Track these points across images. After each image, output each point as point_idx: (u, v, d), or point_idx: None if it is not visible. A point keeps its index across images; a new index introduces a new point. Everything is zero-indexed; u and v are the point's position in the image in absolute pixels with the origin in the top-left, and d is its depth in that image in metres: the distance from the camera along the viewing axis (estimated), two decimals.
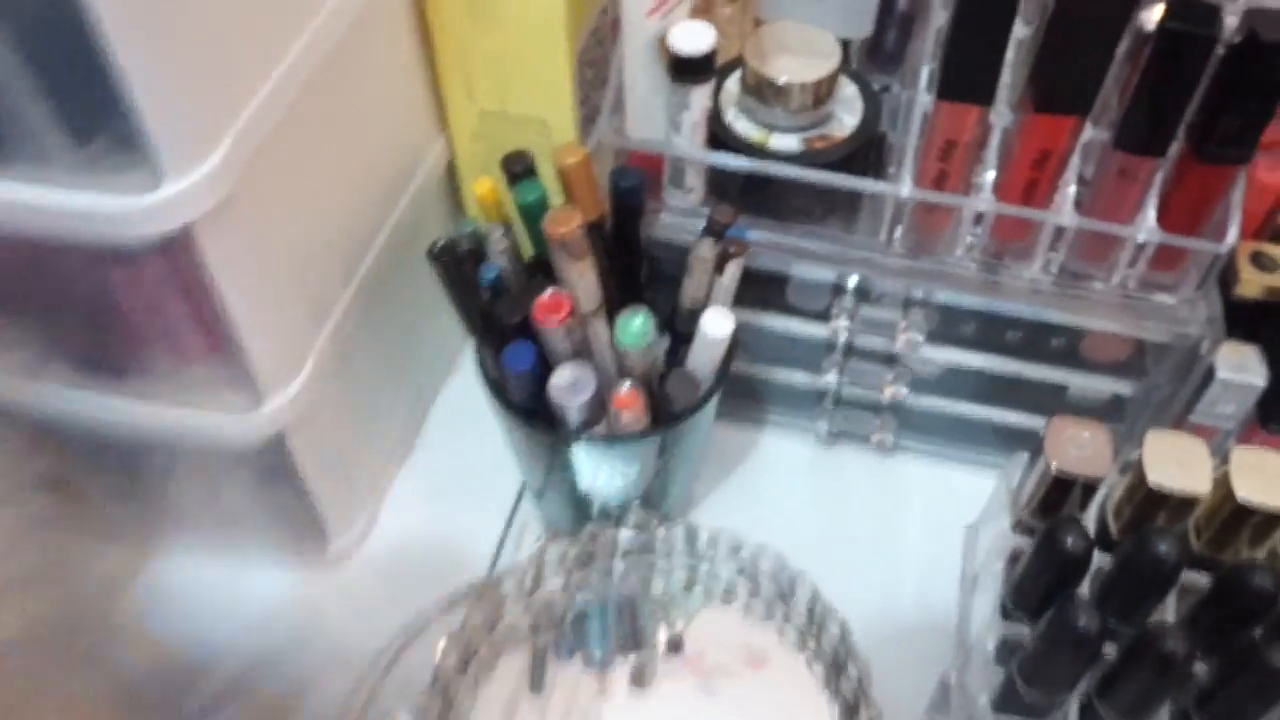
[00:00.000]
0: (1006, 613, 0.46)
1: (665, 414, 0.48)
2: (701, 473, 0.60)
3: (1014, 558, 0.47)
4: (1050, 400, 0.58)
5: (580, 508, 0.55)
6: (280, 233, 0.43)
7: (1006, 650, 0.46)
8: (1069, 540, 0.42)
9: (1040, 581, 0.44)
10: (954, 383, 0.58)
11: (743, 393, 0.62)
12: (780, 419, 0.63)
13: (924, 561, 0.59)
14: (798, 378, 0.60)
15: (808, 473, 0.63)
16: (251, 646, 0.54)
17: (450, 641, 0.50)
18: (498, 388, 0.48)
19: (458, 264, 0.43)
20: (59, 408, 0.47)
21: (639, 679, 0.53)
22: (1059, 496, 0.45)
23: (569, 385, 0.45)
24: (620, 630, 0.55)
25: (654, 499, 0.54)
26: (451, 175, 0.59)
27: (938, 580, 0.57)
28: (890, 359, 0.58)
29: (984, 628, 0.47)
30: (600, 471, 0.50)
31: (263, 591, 0.56)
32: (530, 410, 0.48)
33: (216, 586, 0.56)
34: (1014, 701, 0.45)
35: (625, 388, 0.45)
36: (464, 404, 0.64)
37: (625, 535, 0.54)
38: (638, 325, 0.44)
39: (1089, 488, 0.45)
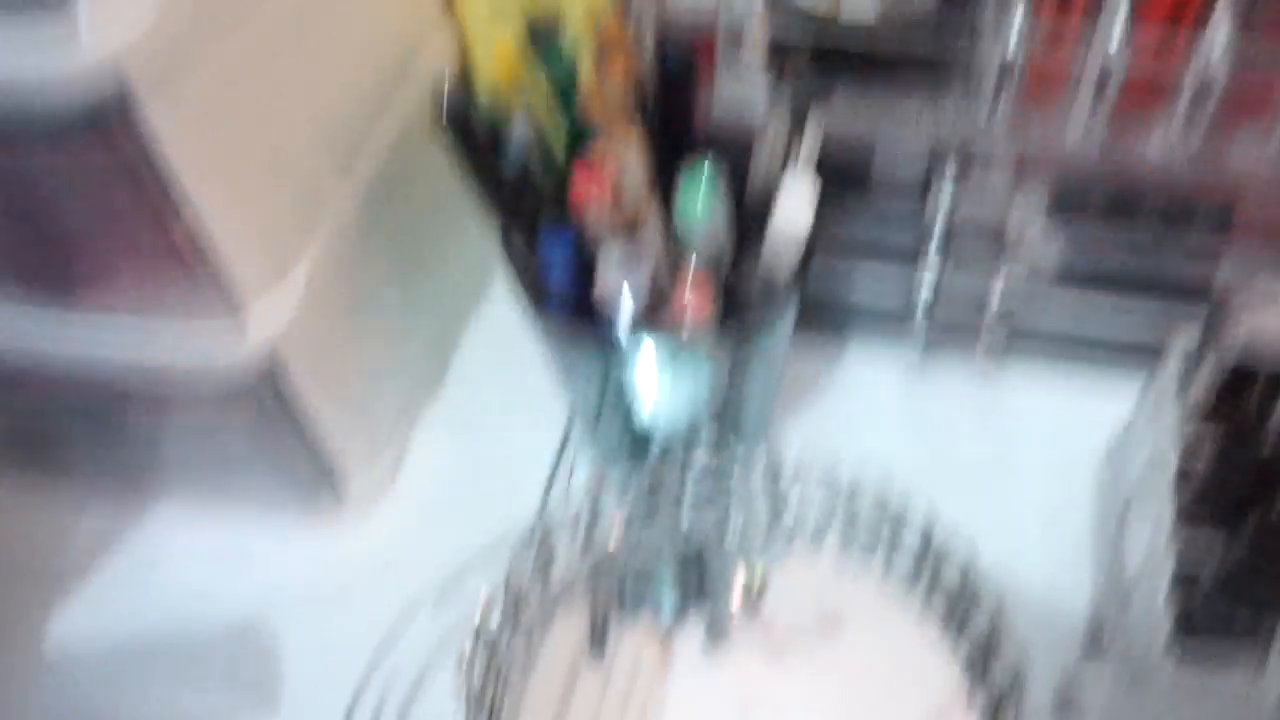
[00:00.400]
0: (1183, 530, 0.37)
1: (737, 322, 0.39)
2: (776, 400, 0.51)
3: (1187, 464, 0.38)
4: (1192, 297, 0.48)
5: (639, 440, 0.46)
6: (247, 104, 0.35)
7: (1186, 573, 0.36)
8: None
9: (1239, 477, 0.35)
10: (1073, 279, 0.49)
11: (822, 310, 0.53)
12: (865, 339, 0.54)
13: (1047, 497, 0.49)
14: (888, 281, 0.51)
15: (900, 398, 0.54)
16: (261, 613, 0.46)
17: (495, 591, 0.41)
18: (533, 289, 0.40)
19: (469, 125, 0.34)
20: (12, 344, 0.39)
21: (713, 639, 0.44)
22: (1241, 388, 0.36)
23: (619, 266, 0.36)
24: (691, 581, 0.46)
25: (726, 427, 0.46)
26: (463, 61, 0.50)
27: (1065, 518, 0.48)
28: (997, 250, 0.49)
29: (1147, 556, 0.38)
30: (662, 386, 0.41)
31: (275, 552, 0.48)
32: (575, 316, 0.39)
33: (220, 549, 0.48)
34: (1200, 629, 0.36)
35: (689, 270, 0.37)
36: (500, 329, 0.55)
37: (696, 463, 0.45)
38: (701, 188, 0.35)
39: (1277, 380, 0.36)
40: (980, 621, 0.42)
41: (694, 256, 0.37)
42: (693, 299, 0.37)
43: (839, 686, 0.41)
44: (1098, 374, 0.53)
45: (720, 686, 0.42)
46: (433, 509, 0.49)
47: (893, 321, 0.53)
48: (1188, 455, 0.38)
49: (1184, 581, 0.36)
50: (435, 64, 0.48)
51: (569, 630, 0.43)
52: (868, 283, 0.52)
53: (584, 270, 0.37)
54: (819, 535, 0.46)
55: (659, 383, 0.41)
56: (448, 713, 0.42)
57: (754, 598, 0.45)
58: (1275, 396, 0.37)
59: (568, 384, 0.45)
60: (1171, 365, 0.40)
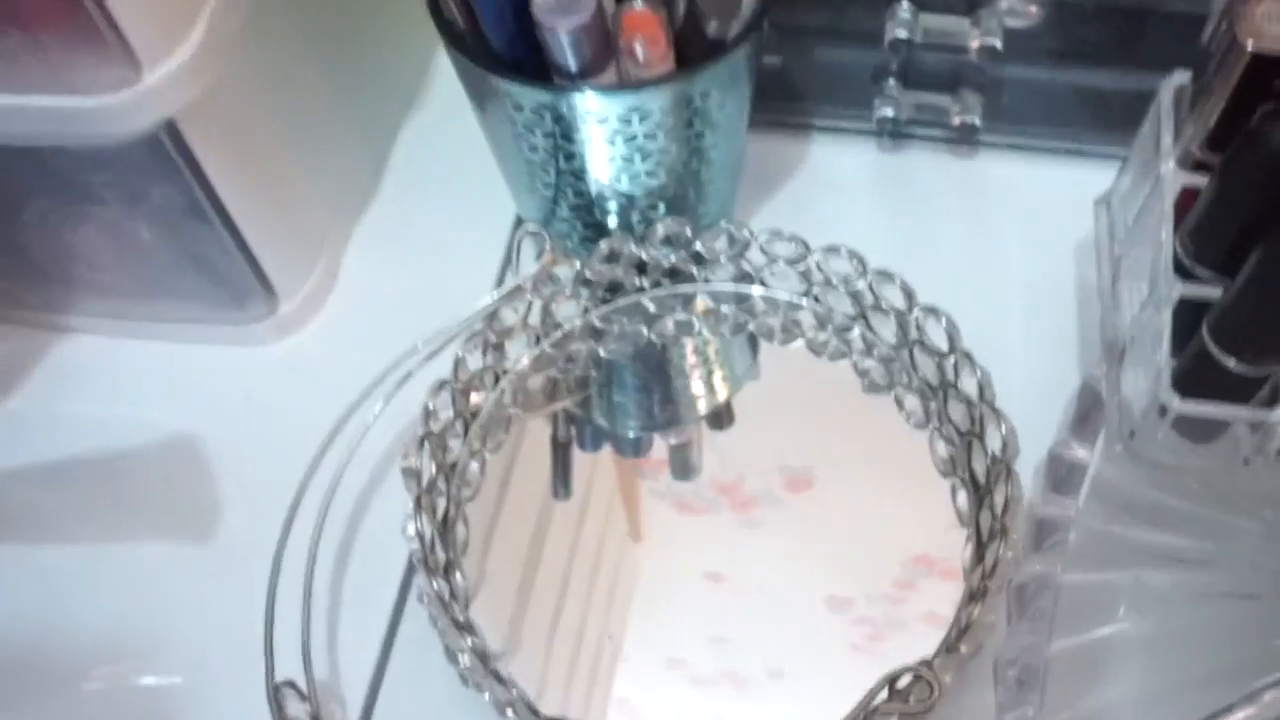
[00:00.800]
0: (1183, 272, 0.34)
1: (696, 55, 0.35)
2: (741, 195, 0.47)
3: (1181, 207, 0.35)
4: (1182, 51, 0.45)
5: (594, 229, 0.42)
6: None
7: (1181, 327, 0.34)
8: None
9: (1238, 211, 0.32)
10: (1054, 36, 0.45)
11: (781, 91, 0.49)
12: (830, 120, 0.50)
13: (1026, 276, 0.46)
14: (853, 54, 0.47)
15: (871, 182, 0.50)
16: (195, 428, 0.42)
17: (438, 386, 0.38)
18: (463, 42, 0.35)
19: None
20: None
21: (682, 469, 0.41)
22: (1255, 95, 0.32)
23: (559, 1, 0.32)
24: (655, 400, 0.43)
25: (687, 207, 0.42)
26: None
27: (1047, 295, 0.45)
28: (974, 3, 0.44)
29: (1145, 307, 0.35)
30: (616, 155, 0.37)
31: (201, 369, 0.44)
32: (513, 66, 0.35)
33: (143, 366, 0.44)
34: (1201, 383, 0.33)
35: (638, 4, 0.32)
36: (436, 137, 0.51)
37: (653, 251, 0.41)
38: None
39: None
40: (967, 392, 0.39)
41: None
42: (643, 41, 0.33)
43: (809, 548, 0.39)
44: (1075, 144, 0.49)
45: (689, 557, 0.39)
46: (371, 320, 0.45)
47: (860, 101, 0.49)
48: (1183, 200, 0.34)
49: (1182, 334, 0.34)
50: None
51: (529, 466, 0.40)
52: (834, 54, 0.47)
53: (520, 7, 0.33)
54: (788, 333, 0.43)
55: (611, 151, 0.37)
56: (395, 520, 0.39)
57: (723, 419, 0.42)
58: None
59: (508, 168, 0.41)
60: (1166, 96, 0.37)
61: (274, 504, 0.39)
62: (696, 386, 0.44)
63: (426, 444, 0.37)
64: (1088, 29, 0.45)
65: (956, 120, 0.48)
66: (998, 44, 0.44)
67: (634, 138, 0.36)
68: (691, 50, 0.36)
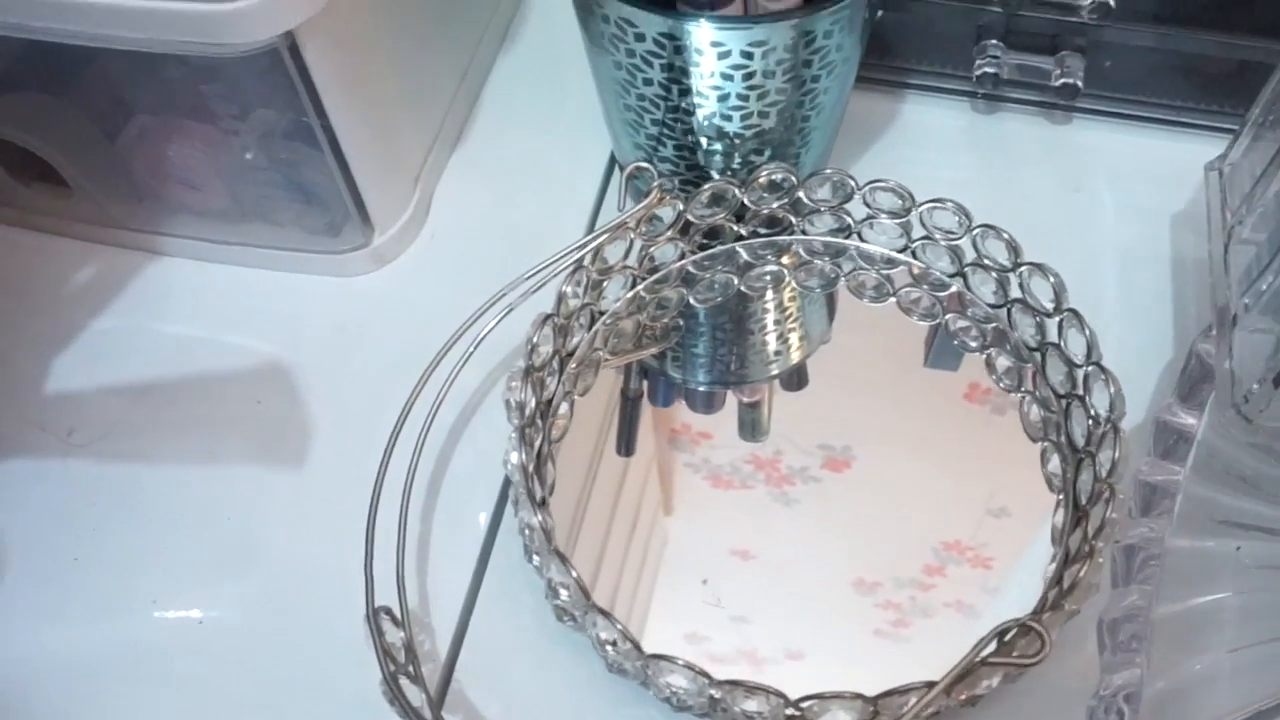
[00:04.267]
0: None
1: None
2: (837, 151, 0.47)
3: None
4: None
5: (695, 174, 0.42)
6: None
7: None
8: None
9: None
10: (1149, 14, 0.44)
11: (881, 47, 0.48)
12: (930, 79, 0.50)
13: (1123, 242, 0.46)
14: (958, 9, 0.46)
15: (966, 144, 0.49)
16: (289, 355, 0.42)
17: (543, 320, 0.38)
18: None
19: None
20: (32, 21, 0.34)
21: (751, 429, 0.41)
22: None
23: None
24: (731, 356, 0.43)
25: (792, 147, 0.41)
26: None
27: (1144, 264, 0.45)
28: None
29: (1265, 273, 0.35)
30: (730, 92, 0.37)
31: (294, 297, 0.44)
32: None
33: (236, 291, 0.44)
34: None
35: None
36: (528, 75, 0.51)
37: (757, 196, 0.41)
38: None
39: None
40: (1072, 352, 0.38)
41: None
42: None
43: (843, 527, 0.38)
44: (1174, 114, 0.48)
45: (720, 532, 0.38)
46: (462, 253, 0.45)
47: (960, 58, 0.48)
48: None
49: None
50: None
51: (594, 415, 0.40)
52: (936, 10, 0.47)
53: None
54: (884, 285, 0.43)
55: (728, 86, 0.37)
56: (492, 448, 0.39)
57: (796, 380, 0.42)
58: None
59: (624, 100, 0.40)
60: None
61: (365, 433, 0.39)
62: (774, 345, 0.44)
63: (530, 377, 0.36)
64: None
65: (1059, 82, 0.47)
66: (1090, 31, 0.43)
67: (752, 74, 0.36)
68: None
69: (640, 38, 0.35)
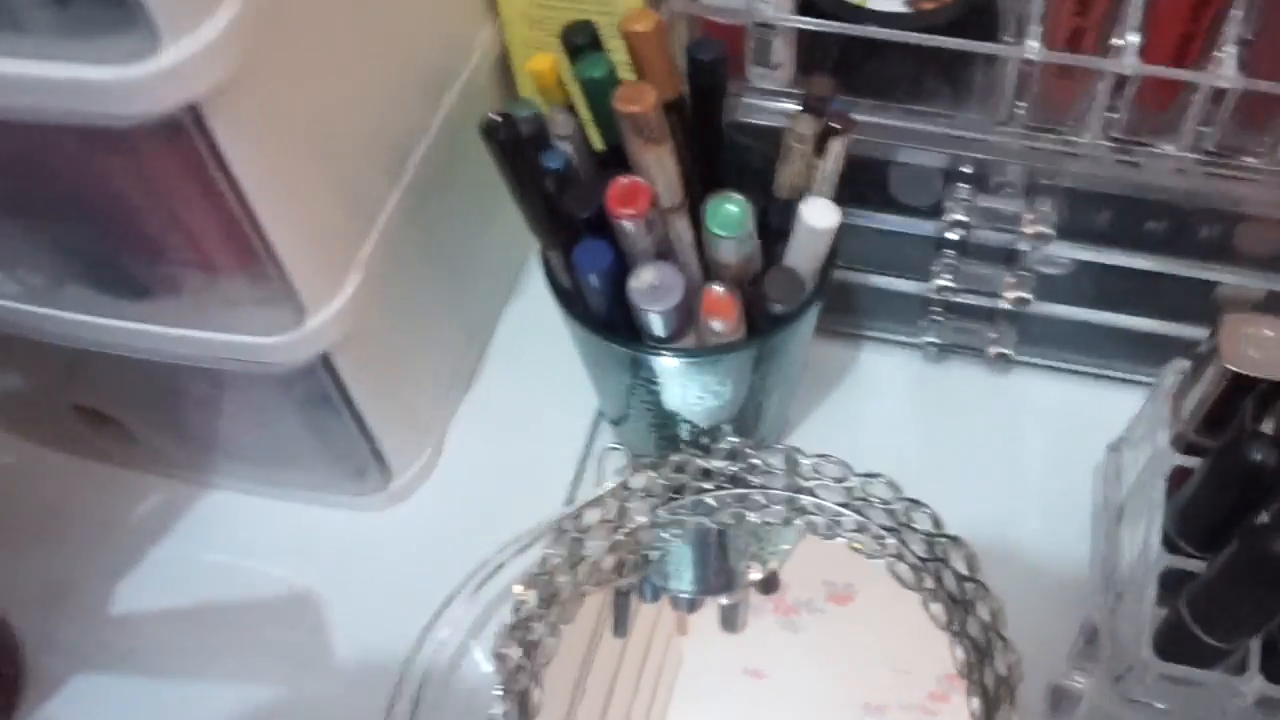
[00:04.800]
0: (1170, 544, 0.39)
1: (763, 321, 0.42)
2: (797, 394, 0.54)
3: (1176, 480, 0.40)
4: (1196, 303, 0.50)
5: (665, 434, 0.49)
6: (309, 118, 0.38)
7: (1170, 588, 0.39)
8: (1256, 455, 0.35)
9: (1216, 506, 0.37)
10: (1084, 284, 0.51)
11: (840, 304, 0.55)
12: (882, 333, 0.57)
13: (1050, 492, 0.52)
14: (903, 284, 0.53)
15: (915, 392, 0.56)
16: (311, 588, 0.49)
17: (529, 581, 0.44)
18: (569, 297, 0.42)
19: (517, 144, 0.36)
20: (85, 335, 0.42)
21: (729, 623, 0.47)
22: (1234, 405, 0.38)
23: (652, 288, 0.39)
24: (710, 569, 0.49)
25: (748, 422, 0.48)
26: (505, 66, 0.52)
27: (1067, 513, 0.51)
28: (1011, 258, 0.51)
29: (1137, 563, 0.41)
30: (689, 391, 0.44)
31: (322, 530, 0.51)
32: (607, 323, 0.42)
33: (273, 523, 0.52)
34: (1180, 646, 0.38)
35: (718, 290, 0.39)
36: (532, 324, 0.58)
37: (717, 464, 0.48)
38: (734, 210, 0.37)
39: (1271, 394, 0.38)
40: (982, 615, 0.44)
41: (723, 282, 0.39)
42: (720, 319, 0.40)
43: (848, 656, 0.43)
44: (1107, 369, 0.55)
45: (732, 653, 0.44)
46: (471, 491, 0.52)
47: (909, 322, 0.55)
48: (1177, 475, 0.40)
49: (1167, 597, 0.39)
50: (479, 64, 0.50)
51: (591, 610, 0.47)
52: (884, 288, 0.54)
53: (619, 279, 0.40)
54: (831, 529, 0.49)
55: (684, 387, 0.44)
56: (484, 684, 0.45)
57: (771, 581, 0.48)
58: (1262, 417, 0.39)
59: (597, 382, 0.48)
60: (1168, 380, 0.43)
61: (378, 659, 0.46)
62: (749, 559, 0.50)
63: (515, 632, 0.43)
64: (1112, 280, 0.51)
65: (992, 351, 0.54)
66: (1029, 296, 0.50)
67: (706, 384, 0.43)
68: (760, 316, 0.42)
69: (609, 354, 0.43)
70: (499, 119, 0.35)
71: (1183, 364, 0.43)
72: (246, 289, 0.39)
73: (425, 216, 0.46)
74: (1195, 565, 0.38)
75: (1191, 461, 0.40)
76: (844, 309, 0.56)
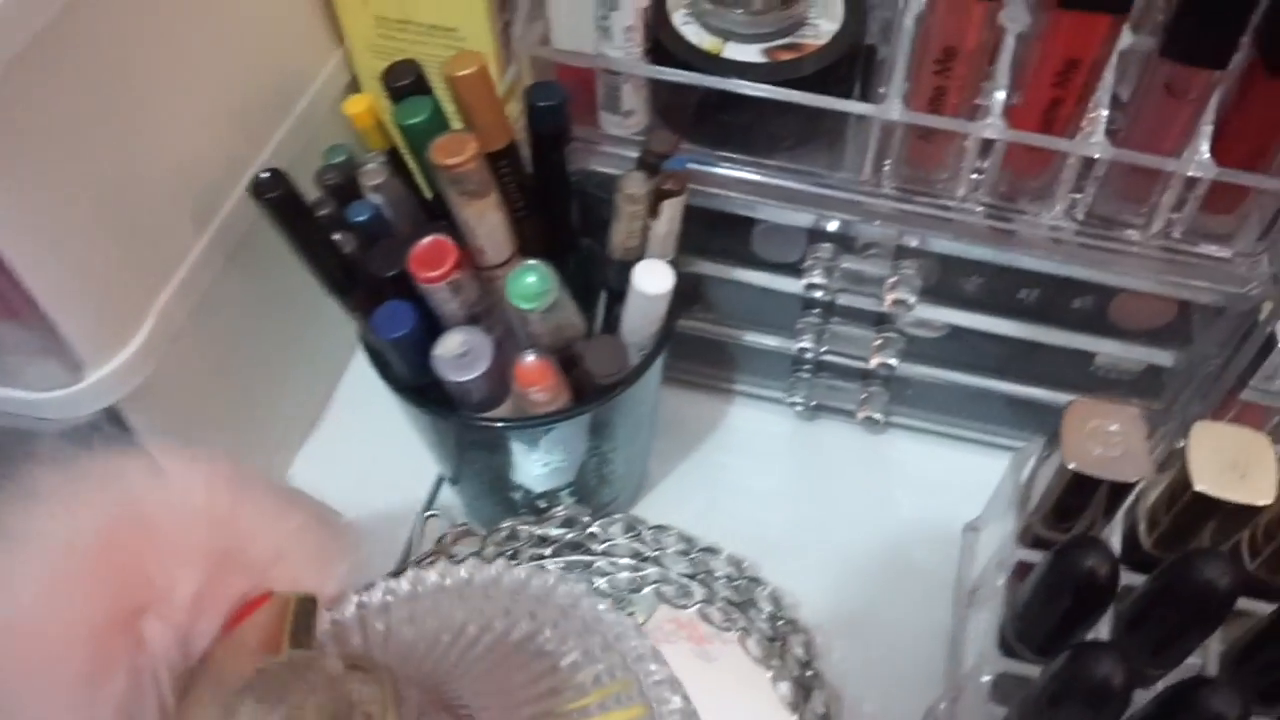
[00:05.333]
0: (1008, 646, 0.37)
1: (591, 389, 0.39)
2: (657, 449, 0.51)
3: (1020, 573, 0.38)
4: (1072, 370, 0.48)
5: (504, 497, 0.45)
6: (84, 153, 0.34)
7: (1006, 689, 0.37)
8: (1089, 564, 0.33)
9: (1051, 611, 0.35)
10: (955, 349, 0.49)
11: (707, 356, 0.53)
12: (752, 388, 0.54)
13: (916, 562, 0.49)
14: (769, 340, 0.50)
15: (784, 451, 0.53)
16: None
17: None
18: (383, 361, 0.39)
19: (291, 202, 0.33)
20: None
21: None
22: (1079, 500, 0.36)
23: (458, 356, 0.36)
24: None
25: (591, 485, 0.45)
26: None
27: (933, 582, 0.48)
28: (879, 320, 0.48)
29: (980, 657, 0.38)
30: (519, 458, 0.41)
31: None
32: (422, 388, 0.39)
33: None
34: None
35: (529, 359, 0.36)
36: (373, 381, 0.54)
37: (554, 531, 0.45)
38: (532, 283, 0.34)
39: (1117, 492, 0.35)
40: (817, 704, 0.42)
41: (532, 352, 0.36)
42: (536, 390, 0.37)
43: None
44: (981, 432, 0.52)
45: None
46: None
47: (778, 378, 0.52)
48: (1020, 569, 0.38)
49: (1006, 697, 0.36)
50: (318, 97, 0.46)
51: None
52: (750, 344, 0.51)
53: (425, 348, 0.37)
54: (683, 597, 0.46)
55: (513, 454, 0.41)
56: None
57: None
58: (1112, 514, 0.37)
59: (428, 444, 0.45)
60: (1022, 466, 0.40)
61: None
62: None
63: None
64: (984, 345, 0.48)
65: (860, 414, 0.51)
66: (894, 362, 0.48)
67: (535, 453, 0.40)
68: (589, 385, 0.39)
69: (429, 424, 0.40)
70: (268, 175, 0.32)
71: (1034, 445, 0.40)
72: (10, 339, 0.36)
73: (245, 264, 0.43)
74: (1029, 670, 0.36)
75: (1036, 556, 0.37)
76: (713, 361, 0.53)
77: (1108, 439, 0.35)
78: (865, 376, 0.51)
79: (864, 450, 0.53)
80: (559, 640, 0.30)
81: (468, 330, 0.36)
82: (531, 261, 0.35)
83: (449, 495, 0.50)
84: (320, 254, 0.35)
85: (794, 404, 0.52)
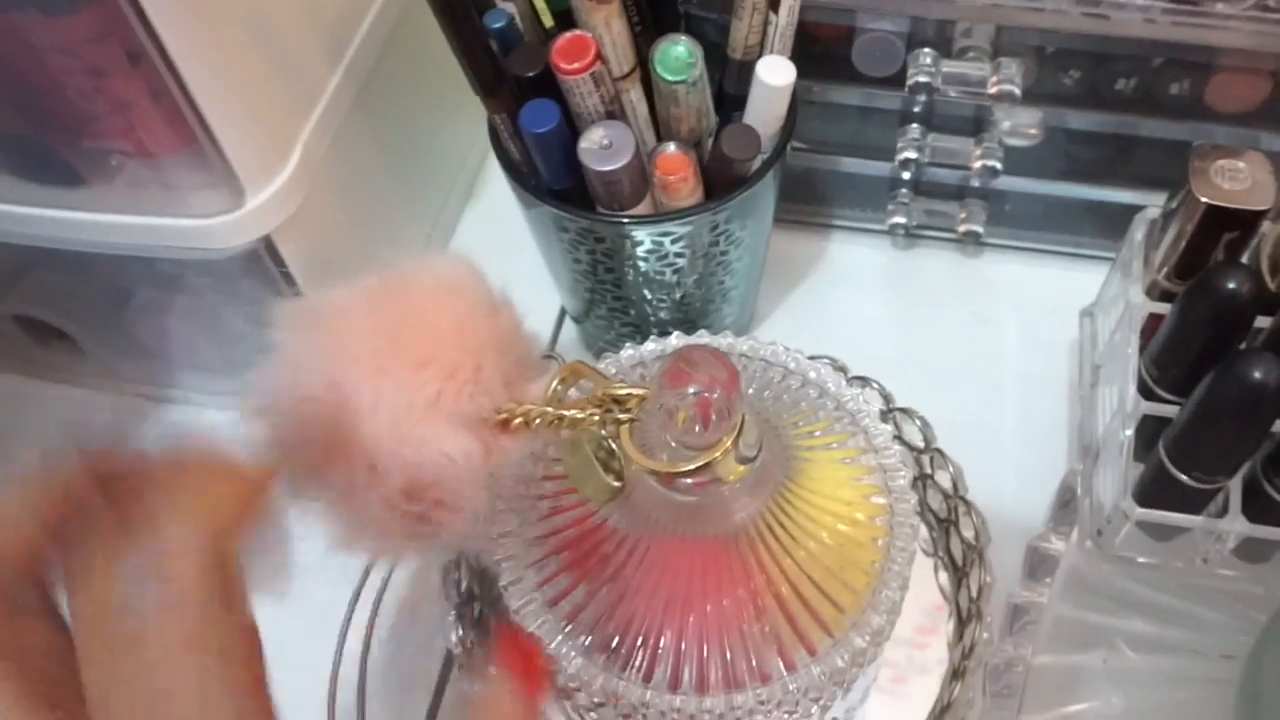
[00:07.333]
0: (1147, 392, 0.38)
1: (721, 185, 0.40)
2: (762, 288, 0.52)
3: (1150, 330, 0.39)
4: (1168, 171, 0.49)
5: (626, 323, 0.47)
6: None
7: (1148, 441, 0.38)
8: (1231, 284, 0.34)
9: (1192, 343, 0.36)
10: (1053, 156, 0.50)
11: (805, 193, 0.54)
12: (849, 221, 0.55)
13: (1025, 370, 0.51)
14: (869, 165, 0.52)
15: (884, 280, 0.55)
16: None
17: None
18: (518, 171, 0.41)
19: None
20: (20, 229, 0.40)
21: None
22: (1209, 240, 0.37)
23: (602, 147, 0.37)
24: None
25: (713, 304, 0.47)
26: None
27: (1042, 389, 0.50)
28: (978, 127, 0.49)
29: (1114, 418, 0.40)
30: (647, 265, 0.42)
31: None
32: (559, 195, 0.40)
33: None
34: (1160, 493, 0.37)
35: (671, 148, 0.38)
36: (492, 225, 0.56)
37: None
38: (681, 52, 0.36)
39: (1247, 227, 0.37)
40: (941, 481, 0.43)
41: (673, 142, 0.38)
42: (675, 179, 0.38)
43: None
44: (1077, 247, 0.54)
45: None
46: None
47: (875, 206, 0.54)
48: (1151, 325, 0.39)
49: (1146, 444, 0.38)
50: None
51: None
52: (848, 172, 0.52)
53: (569, 146, 0.38)
54: None
55: (645, 265, 0.42)
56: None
57: None
58: (1236, 256, 0.38)
59: (555, 273, 0.46)
60: (1138, 230, 0.42)
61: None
62: None
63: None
64: (1082, 149, 0.49)
65: (961, 228, 0.52)
66: (998, 165, 0.49)
67: (665, 256, 0.42)
68: (718, 181, 0.41)
69: (564, 229, 0.41)
70: None
71: (1153, 213, 0.41)
72: (182, 170, 0.37)
73: (373, 101, 0.45)
74: (1172, 410, 0.37)
75: (1165, 308, 0.39)
76: (809, 197, 0.54)
77: (1235, 175, 0.36)
78: (962, 194, 0.53)
79: (964, 272, 0.54)
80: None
81: (609, 123, 0.38)
82: (677, 35, 0.36)
83: (568, 338, 0.52)
84: (475, 52, 0.36)
85: (894, 227, 0.53)
